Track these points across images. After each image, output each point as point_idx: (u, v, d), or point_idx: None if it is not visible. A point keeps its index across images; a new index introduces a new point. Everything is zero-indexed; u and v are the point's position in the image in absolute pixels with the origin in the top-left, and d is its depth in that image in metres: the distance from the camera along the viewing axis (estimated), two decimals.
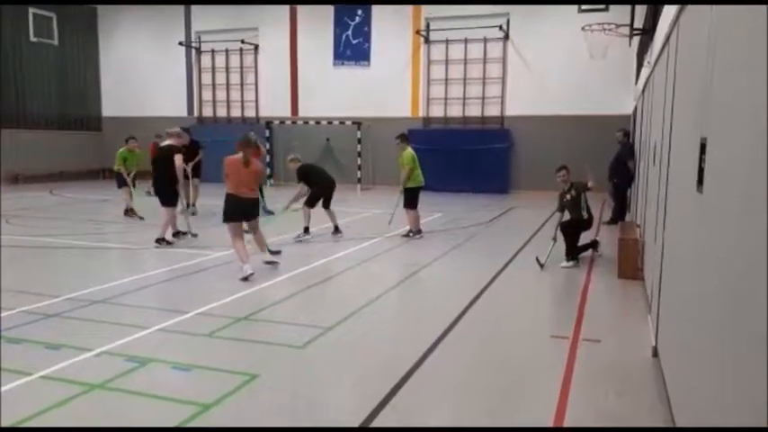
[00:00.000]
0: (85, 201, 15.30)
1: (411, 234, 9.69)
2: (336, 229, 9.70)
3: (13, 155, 19.88)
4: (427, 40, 19.73)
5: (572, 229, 7.81)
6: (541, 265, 7.52)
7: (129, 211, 11.76)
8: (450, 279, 7.34)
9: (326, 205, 9.73)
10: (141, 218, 11.36)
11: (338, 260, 8.11)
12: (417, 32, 19.57)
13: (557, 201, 8.08)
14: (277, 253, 7.91)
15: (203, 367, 4.27)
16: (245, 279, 6.73)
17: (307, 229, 9.48)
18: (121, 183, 11.90)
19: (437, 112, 19.97)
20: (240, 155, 7.16)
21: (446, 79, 19.65)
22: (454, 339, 4.93)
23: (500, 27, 18.45)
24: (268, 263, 7.45)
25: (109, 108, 24.09)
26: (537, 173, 17.66)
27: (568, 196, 7.85)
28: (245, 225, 7.41)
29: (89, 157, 22.59)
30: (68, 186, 17.44)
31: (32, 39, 21.01)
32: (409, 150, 9.71)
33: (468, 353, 4.69)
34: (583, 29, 12.51)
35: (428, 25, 19.64)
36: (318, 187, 9.60)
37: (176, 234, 9.27)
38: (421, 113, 20.03)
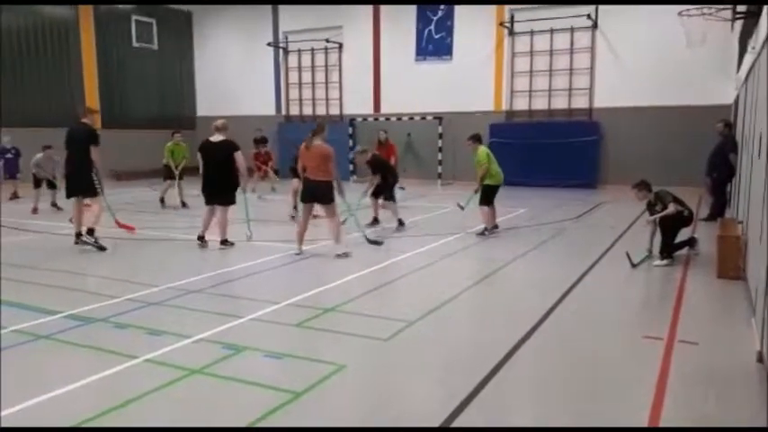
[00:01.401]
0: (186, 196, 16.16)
1: (486, 232, 9.45)
2: (400, 223, 10.11)
3: (116, 154, 21.31)
4: (511, 32, 19.33)
5: (671, 222, 7.39)
6: (633, 264, 7.22)
7: (163, 201, 13.29)
8: (536, 276, 7.18)
9: (388, 197, 10.13)
10: (184, 205, 13.00)
11: (419, 255, 8.14)
12: (501, 24, 19.21)
13: (647, 212, 7.75)
14: (377, 243, 8.54)
15: (293, 356, 4.44)
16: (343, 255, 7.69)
17: (401, 222, 10.07)
18: (167, 176, 13.32)
19: (521, 105, 19.54)
20: (308, 143, 7.87)
21: (531, 71, 19.18)
22: (540, 338, 4.84)
23: (588, 16, 17.78)
24: (339, 255, 7.80)
25: (203, 108, 25.35)
26: (628, 167, 16.89)
27: (657, 208, 7.48)
28: (319, 210, 8.08)
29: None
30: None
31: (134, 44, 22.52)
32: (483, 148, 9.58)
33: (554, 352, 4.59)
34: (680, 14, 11.83)
35: (512, 17, 19.24)
36: (392, 178, 10.13)
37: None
38: (504, 107, 19.68)
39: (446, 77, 20.09)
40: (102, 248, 8.29)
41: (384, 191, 10.16)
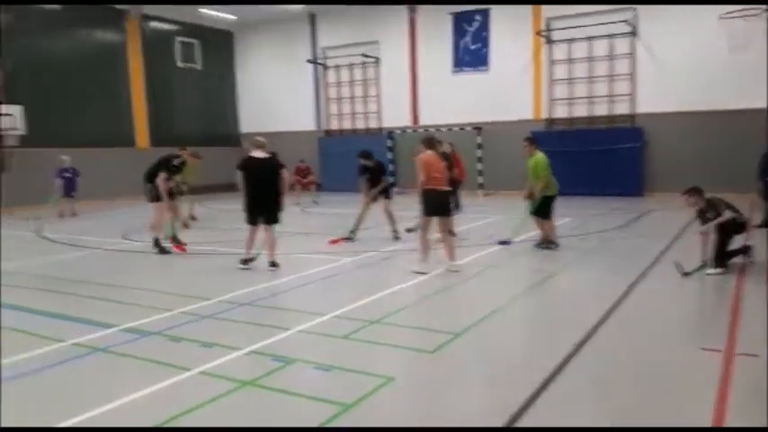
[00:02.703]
0: (228, 211, 16.51)
1: (552, 246, 8.93)
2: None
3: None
4: (549, 41, 19.18)
5: (724, 230, 7.15)
6: (684, 273, 7.01)
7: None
8: (584, 286, 7.06)
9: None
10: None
11: (464, 266, 8.10)
12: (538, 33, 19.09)
13: (697, 219, 7.53)
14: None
15: (342, 368, 4.47)
16: (419, 273, 7.43)
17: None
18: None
19: (561, 112, 19.33)
20: (431, 152, 7.77)
21: (569, 79, 18.98)
22: (592, 351, 4.74)
23: (626, 22, 17.51)
24: (454, 271, 7.63)
25: (246, 124, 25.93)
26: (674, 173, 16.52)
27: (709, 215, 7.25)
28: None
29: (230, 170, 24.36)
30: (213, 198, 19.02)
31: (179, 64, 23.24)
32: (541, 155, 8.98)
33: (607, 365, 4.49)
34: (721, 17, 11.54)
35: (549, 26, 19.10)
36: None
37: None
38: (544, 115, 19.49)
39: (484, 88, 20.06)
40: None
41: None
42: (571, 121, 19.13)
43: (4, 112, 17.48)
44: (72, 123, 19.54)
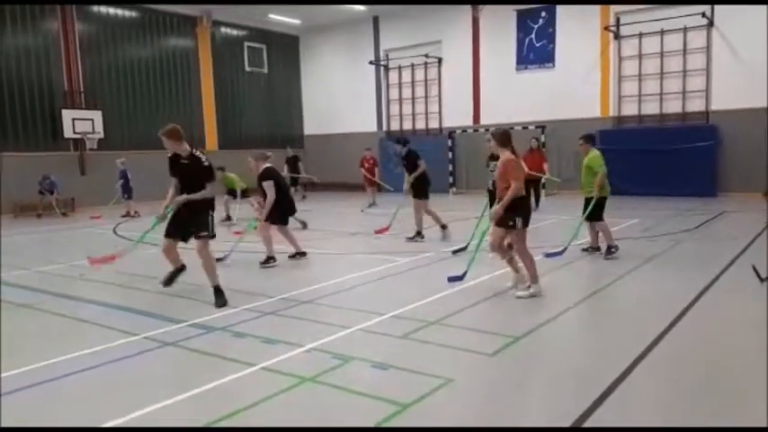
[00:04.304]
0: (305, 211, 16.88)
1: (613, 250, 8.48)
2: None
3: (234, 171, 22.66)
4: (617, 36, 18.58)
5: None
6: (762, 279, 6.64)
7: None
8: (651, 292, 6.80)
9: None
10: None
11: (524, 268, 7.96)
12: (606, 29, 18.52)
13: None
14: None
15: (400, 368, 4.50)
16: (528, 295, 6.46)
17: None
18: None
19: (630, 110, 18.68)
20: (510, 153, 6.41)
21: (639, 75, 18.32)
22: (657, 359, 4.56)
23: (703, 14, 16.71)
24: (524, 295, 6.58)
25: (309, 126, 26.47)
26: (750, 173, 15.67)
27: None
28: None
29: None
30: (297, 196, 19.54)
31: (247, 68, 24.00)
32: (597, 152, 8.70)
33: (674, 375, 4.31)
34: None
35: (618, 20, 18.49)
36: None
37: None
38: (612, 113, 18.90)
39: (549, 85, 19.65)
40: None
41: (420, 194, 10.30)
42: (641, 118, 18.47)
43: (84, 116, 18.59)
44: (146, 127, 20.51)
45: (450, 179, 21.66)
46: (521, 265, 6.72)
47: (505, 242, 6.77)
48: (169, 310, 6.32)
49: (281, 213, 8.97)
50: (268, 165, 8.91)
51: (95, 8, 19.71)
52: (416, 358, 4.74)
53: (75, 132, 18.48)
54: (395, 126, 24.02)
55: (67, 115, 18.33)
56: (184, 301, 6.74)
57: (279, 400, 3.98)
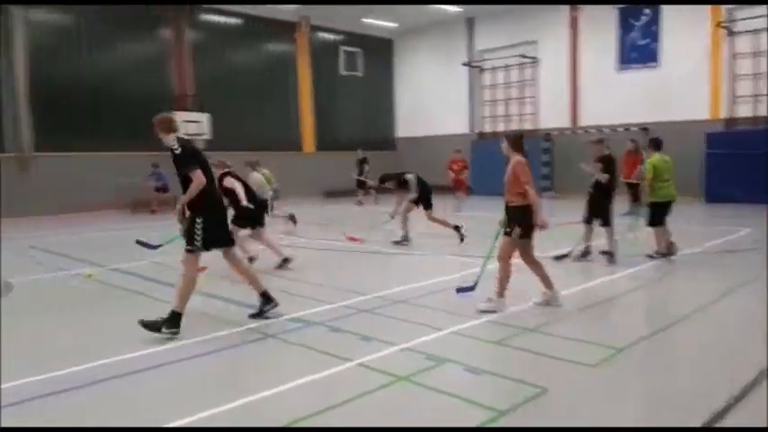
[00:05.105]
0: (383, 213, 17.12)
1: (655, 255, 8.55)
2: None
3: (329, 173, 23.39)
4: (730, 32, 17.36)
5: None
6: None
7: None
8: (762, 311, 6.29)
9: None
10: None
11: (622, 279, 7.65)
12: (718, 25, 17.36)
13: None
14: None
15: (494, 373, 4.46)
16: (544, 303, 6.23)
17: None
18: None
19: (745, 111, 17.42)
20: (521, 156, 6.16)
21: (755, 74, 17.03)
22: None
23: None
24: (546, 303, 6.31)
25: (402, 129, 26.74)
26: None
27: None
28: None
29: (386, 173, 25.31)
30: (370, 199, 19.89)
31: (342, 72, 24.59)
32: (654, 158, 8.62)
33: None
34: None
35: (730, 15, 17.29)
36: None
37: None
38: (723, 114, 17.70)
39: (652, 85, 18.73)
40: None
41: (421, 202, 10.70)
42: (755, 120, 17.16)
43: (193, 119, 19.77)
44: (249, 128, 21.55)
45: (546, 182, 21.14)
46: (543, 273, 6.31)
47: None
48: None
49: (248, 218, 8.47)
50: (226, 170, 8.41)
51: (205, 17, 20.95)
52: (512, 365, 4.68)
53: (184, 134, 19.66)
54: (487, 128, 23.74)
55: (178, 117, 19.51)
56: (284, 296, 7.00)
57: (374, 398, 4.06)
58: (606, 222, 8.51)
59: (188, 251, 5.60)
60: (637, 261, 8.56)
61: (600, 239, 8.71)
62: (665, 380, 4.37)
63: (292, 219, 13.29)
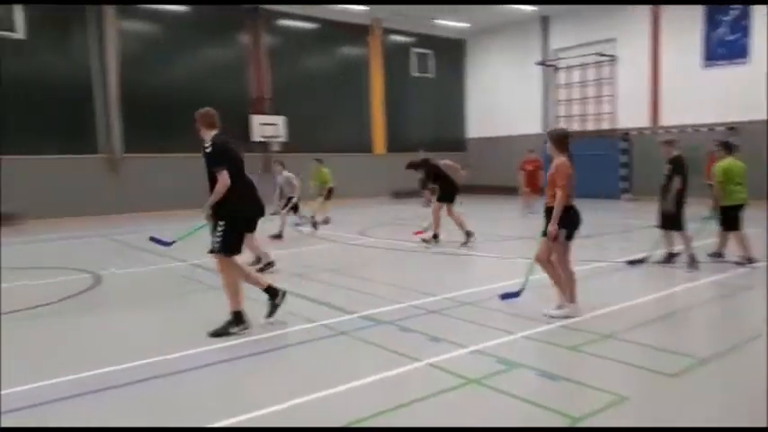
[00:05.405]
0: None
1: (742, 260, 8.17)
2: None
3: (398, 174, 23.45)
4: None
5: None
6: None
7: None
8: None
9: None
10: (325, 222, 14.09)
11: (706, 286, 7.26)
12: None
13: None
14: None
15: (568, 379, 4.33)
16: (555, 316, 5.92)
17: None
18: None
19: None
20: (566, 158, 5.89)
21: None
22: None
23: None
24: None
25: (472, 129, 26.50)
26: None
27: None
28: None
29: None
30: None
31: (414, 74, 24.67)
32: (726, 162, 8.34)
33: None
34: None
35: None
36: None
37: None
38: None
39: (742, 83, 17.63)
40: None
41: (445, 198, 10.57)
42: None
43: (270, 122, 20.40)
44: (323, 131, 21.99)
45: (624, 184, 20.36)
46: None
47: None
48: (343, 301, 6.72)
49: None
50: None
51: (282, 21, 21.54)
52: (587, 371, 4.55)
53: (261, 136, 20.36)
54: (562, 127, 23.15)
55: (255, 120, 20.25)
56: (357, 294, 7.13)
57: (444, 399, 4.04)
58: (678, 227, 8.18)
59: (211, 252, 5.52)
60: (722, 267, 8.10)
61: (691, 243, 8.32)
62: (750, 394, 4.11)
63: (314, 224, 12.87)
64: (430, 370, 4.56)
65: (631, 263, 8.33)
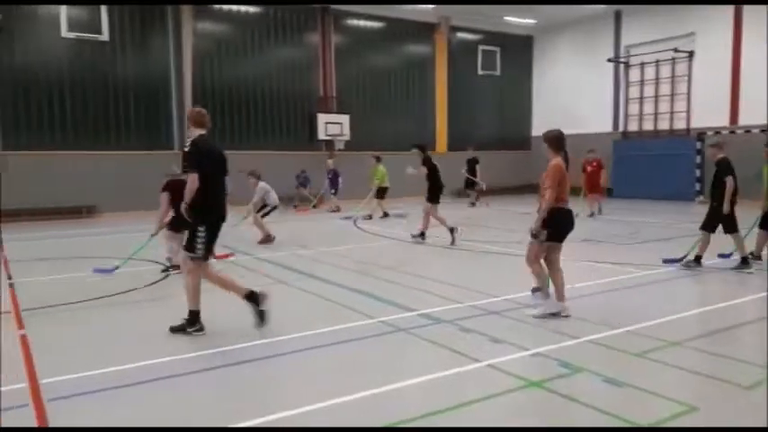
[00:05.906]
0: (514, 213, 16.77)
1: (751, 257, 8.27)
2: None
3: (459, 172, 23.33)
4: None
5: None
6: None
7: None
8: None
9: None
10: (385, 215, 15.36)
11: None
12: None
13: None
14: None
15: (634, 386, 4.19)
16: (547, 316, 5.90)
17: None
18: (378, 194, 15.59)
19: None
20: (561, 159, 5.97)
21: None
22: None
23: None
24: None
25: (538, 128, 25.92)
26: None
27: None
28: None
29: (520, 173, 24.70)
30: (502, 200, 19.57)
31: (479, 72, 24.42)
32: None
33: None
34: None
35: None
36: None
37: None
38: None
39: None
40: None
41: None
42: None
43: (335, 120, 20.71)
44: (385, 129, 22.10)
45: (698, 186, 19.44)
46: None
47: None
48: (402, 298, 6.76)
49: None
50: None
51: (350, 21, 21.79)
52: (653, 379, 4.39)
53: (326, 135, 20.68)
54: (633, 126, 22.31)
55: (321, 119, 20.59)
56: (415, 292, 7.15)
57: (504, 400, 4.01)
58: (732, 229, 8.15)
59: (187, 256, 5.48)
60: None
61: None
62: None
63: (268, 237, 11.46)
64: (490, 371, 4.53)
65: (666, 261, 8.52)
